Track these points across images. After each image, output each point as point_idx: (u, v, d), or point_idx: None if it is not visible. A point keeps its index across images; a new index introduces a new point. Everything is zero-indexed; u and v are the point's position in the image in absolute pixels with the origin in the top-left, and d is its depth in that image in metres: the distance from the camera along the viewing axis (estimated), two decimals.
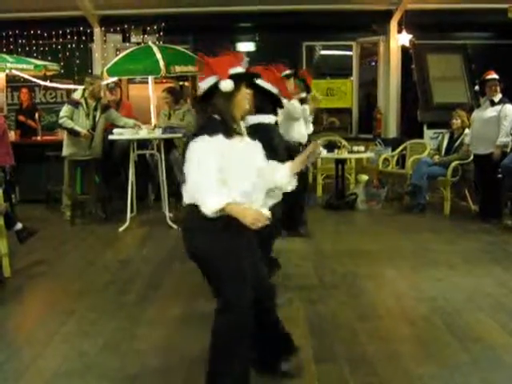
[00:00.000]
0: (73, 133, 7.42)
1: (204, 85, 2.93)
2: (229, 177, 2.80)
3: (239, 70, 2.93)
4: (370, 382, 3.23)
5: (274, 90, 3.97)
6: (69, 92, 10.42)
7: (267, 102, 4.07)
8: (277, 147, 4.11)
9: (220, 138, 2.82)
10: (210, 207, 2.71)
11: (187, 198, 2.90)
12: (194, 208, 2.79)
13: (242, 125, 3.05)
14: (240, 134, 2.96)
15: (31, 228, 5.86)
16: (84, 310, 4.45)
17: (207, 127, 2.88)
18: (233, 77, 2.88)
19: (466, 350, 3.59)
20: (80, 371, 3.39)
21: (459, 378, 3.23)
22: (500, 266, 5.40)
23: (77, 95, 7.64)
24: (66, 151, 7.59)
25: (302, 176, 5.74)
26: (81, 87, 7.96)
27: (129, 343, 3.78)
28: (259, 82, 3.42)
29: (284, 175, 3.06)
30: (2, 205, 5.37)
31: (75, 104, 7.49)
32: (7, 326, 4.23)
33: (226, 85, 2.86)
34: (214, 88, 2.88)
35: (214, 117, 2.90)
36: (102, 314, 4.34)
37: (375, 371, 3.34)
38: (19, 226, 5.71)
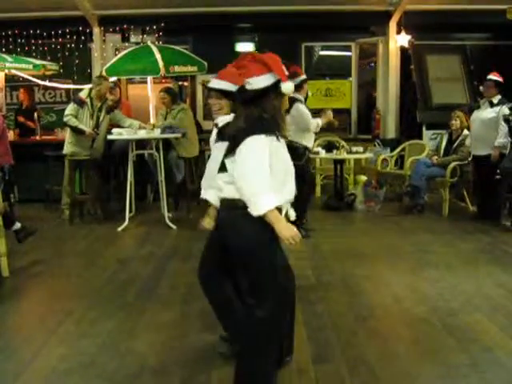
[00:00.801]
0: (77, 131, 7.44)
1: (259, 82, 2.83)
2: (275, 180, 2.80)
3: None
4: (368, 382, 3.24)
5: None
6: (68, 92, 10.46)
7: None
8: None
9: (274, 139, 2.80)
10: (260, 208, 2.69)
11: (230, 192, 2.87)
12: (238, 202, 2.80)
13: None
14: (285, 137, 2.93)
15: (30, 228, 5.86)
16: (82, 309, 4.45)
17: (262, 126, 2.81)
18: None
19: (465, 350, 3.59)
20: (78, 371, 3.39)
21: (457, 378, 3.24)
22: (498, 267, 5.40)
23: (83, 94, 7.65)
24: (67, 150, 7.60)
25: (304, 177, 5.81)
26: (80, 87, 7.95)
27: (127, 343, 3.78)
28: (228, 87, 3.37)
29: None
30: (1, 204, 5.36)
31: (81, 103, 7.51)
32: (5, 325, 4.23)
33: (289, 87, 2.86)
34: (271, 87, 2.83)
35: (265, 117, 2.84)
36: (101, 313, 4.34)
37: (374, 372, 3.34)
38: (18, 225, 5.71)
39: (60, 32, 9.92)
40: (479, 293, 4.70)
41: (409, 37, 10.00)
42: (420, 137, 9.81)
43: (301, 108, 6.48)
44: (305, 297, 4.62)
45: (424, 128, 9.96)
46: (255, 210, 2.71)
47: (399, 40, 10.09)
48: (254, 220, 2.75)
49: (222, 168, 2.95)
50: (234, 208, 2.86)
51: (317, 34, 10.63)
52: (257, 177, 2.72)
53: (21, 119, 9.55)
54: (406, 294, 4.69)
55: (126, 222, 7.22)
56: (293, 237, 2.76)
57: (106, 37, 10.21)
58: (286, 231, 2.75)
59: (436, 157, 8.15)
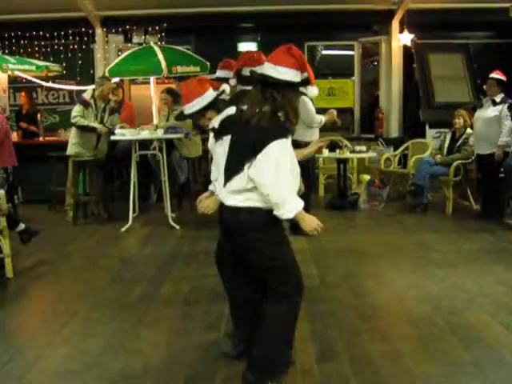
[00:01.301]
0: (88, 130, 7.47)
1: (287, 74, 2.79)
2: (293, 180, 2.88)
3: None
4: (372, 381, 3.23)
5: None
6: (71, 93, 10.48)
7: None
8: None
9: (290, 141, 2.83)
10: (290, 211, 2.77)
11: (243, 200, 2.88)
12: (250, 208, 2.86)
13: None
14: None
15: (34, 228, 5.88)
16: (86, 310, 4.46)
17: (283, 127, 2.81)
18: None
19: (468, 349, 3.58)
20: (82, 371, 3.40)
21: (461, 377, 3.23)
22: (502, 266, 5.39)
23: (86, 95, 7.68)
24: (71, 150, 7.62)
25: (305, 175, 5.71)
26: (83, 88, 7.96)
27: (131, 343, 3.79)
28: None
29: None
30: (5, 206, 5.38)
31: (85, 104, 7.53)
32: (10, 326, 4.24)
33: (314, 91, 2.88)
34: (296, 84, 2.82)
35: (280, 118, 2.82)
36: (104, 314, 4.35)
37: (377, 371, 3.34)
38: (22, 226, 5.73)
39: (63, 33, 9.95)
40: (483, 291, 4.69)
41: (411, 35, 9.99)
42: (423, 135, 9.79)
43: (307, 102, 6.47)
44: (308, 296, 4.58)
45: (427, 127, 9.95)
46: (287, 214, 2.78)
47: (402, 39, 10.08)
48: (270, 221, 2.86)
49: (231, 173, 2.91)
50: (249, 213, 2.88)
51: (319, 33, 10.62)
52: (286, 183, 2.77)
53: (23, 125, 9.57)
54: (409, 293, 4.69)
55: (130, 223, 7.23)
56: (315, 228, 2.86)
57: (108, 37, 10.23)
58: (310, 225, 2.86)
59: (439, 155, 8.14)
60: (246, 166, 2.81)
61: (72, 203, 7.75)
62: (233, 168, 2.90)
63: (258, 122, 2.79)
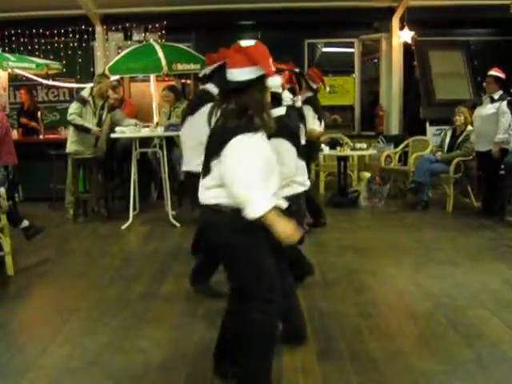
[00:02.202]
0: (82, 130, 7.47)
1: (241, 75, 2.75)
2: (267, 178, 2.74)
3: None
4: (373, 379, 3.23)
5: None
6: (71, 90, 10.46)
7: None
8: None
9: (260, 135, 2.73)
10: (256, 211, 2.61)
11: (213, 197, 2.81)
12: (217, 206, 2.77)
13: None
14: (269, 130, 2.83)
15: (38, 225, 5.89)
16: (87, 307, 4.46)
17: (247, 123, 2.72)
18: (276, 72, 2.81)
19: (470, 346, 3.59)
20: (84, 369, 3.40)
21: (463, 374, 3.24)
22: (503, 263, 5.39)
23: (85, 93, 7.68)
24: (70, 148, 7.63)
25: None
26: (83, 85, 7.94)
27: (132, 341, 3.79)
28: None
29: None
30: (5, 203, 5.38)
31: (83, 101, 7.53)
32: (11, 324, 4.24)
33: (276, 81, 2.80)
34: (254, 81, 2.75)
35: (250, 113, 2.74)
36: (106, 311, 4.35)
37: (378, 368, 3.34)
38: (26, 223, 5.75)
39: (63, 31, 9.93)
40: (484, 289, 4.69)
41: (412, 33, 9.98)
42: (423, 133, 9.78)
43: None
44: (309, 293, 4.62)
45: (427, 124, 9.94)
46: (252, 213, 2.62)
47: (402, 36, 10.07)
48: (239, 223, 2.69)
49: (204, 172, 2.87)
50: (217, 212, 2.80)
51: (320, 30, 10.60)
52: (250, 180, 2.63)
53: (24, 121, 9.56)
54: (410, 290, 4.69)
55: (130, 220, 7.23)
56: (289, 237, 2.70)
57: (108, 35, 10.21)
58: (284, 231, 2.67)
59: (440, 153, 8.14)
60: (212, 164, 2.78)
61: (72, 201, 7.75)
62: (204, 167, 2.87)
63: (225, 121, 2.77)
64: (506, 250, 5.90)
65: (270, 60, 2.80)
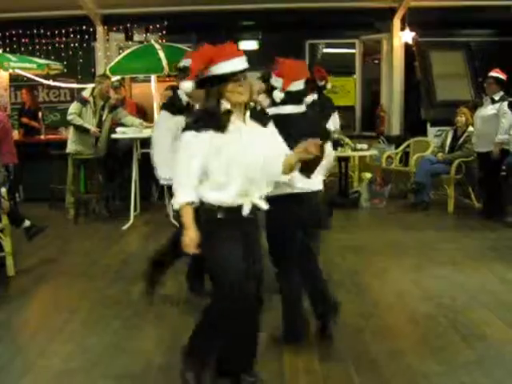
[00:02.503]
0: (81, 130, 7.49)
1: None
2: (217, 174, 2.81)
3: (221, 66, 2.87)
4: (374, 379, 3.23)
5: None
6: (72, 91, 10.47)
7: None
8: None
9: (210, 133, 2.77)
10: (176, 201, 2.80)
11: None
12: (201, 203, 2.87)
13: (245, 114, 2.91)
14: (238, 123, 2.86)
15: (39, 225, 5.88)
16: (88, 308, 4.46)
17: (198, 121, 2.84)
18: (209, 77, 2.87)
19: (471, 347, 3.59)
20: (84, 369, 3.40)
21: (463, 375, 3.23)
22: (504, 264, 5.39)
23: (86, 93, 7.69)
24: (70, 148, 7.64)
25: None
26: (84, 86, 7.94)
27: (133, 341, 3.79)
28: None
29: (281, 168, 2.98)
30: (6, 204, 5.38)
31: (84, 101, 7.55)
32: (12, 324, 4.24)
33: (187, 86, 2.95)
34: (201, 82, 2.88)
35: (206, 110, 2.87)
36: (106, 312, 4.35)
37: (379, 369, 3.34)
38: (27, 223, 5.74)
39: (64, 31, 9.93)
40: (485, 289, 4.69)
41: (413, 33, 9.98)
42: (424, 133, 9.78)
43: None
44: None
45: (428, 125, 9.94)
46: (174, 202, 2.82)
47: (403, 37, 10.06)
48: (207, 218, 2.87)
49: None
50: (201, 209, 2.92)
51: (321, 31, 10.60)
52: (179, 172, 2.81)
53: (25, 120, 9.56)
54: (411, 291, 4.69)
55: (131, 221, 7.23)
56: (188, 245, 2.80)
57: (109, 36, 10.22)
58: (186, 237, 2.80)
59: (441, 154, 8.13)
60: None
61: (72, 201, 7.75)
62: None
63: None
64: (506, 250, 5.90)
65: (200, 65, 2.90)
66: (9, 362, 3.52)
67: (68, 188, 7.89)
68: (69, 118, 7.53)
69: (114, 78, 8.41)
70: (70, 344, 3.78)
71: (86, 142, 7.61)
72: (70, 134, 7.75)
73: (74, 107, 7.55)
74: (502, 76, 7.27)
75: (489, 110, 7.27)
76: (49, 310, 4.59)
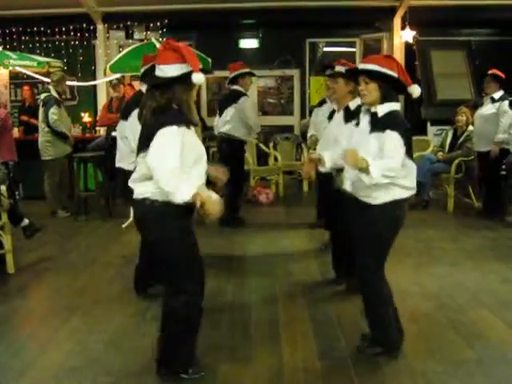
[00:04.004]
0: (61, 136, 7.66)
1: (170, 71, 2.91)
2: (190, 166, 2.93)
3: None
4: (373, 378, 3.24)
5: (395, 75, 3.41)
6: (72, 88, 10.45)
7: (391, 89, 3.45)
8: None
9: (184, 129, 2.89)
10: (181, 196, 2.80)
11: (142, 188, 3.00)
12: (147, 198, 2.96)
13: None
14: (196, 124, 3.04)
15: (37, 224, 5.88)
16: (88, 306, 4.46)
17: (171, 116, 2.89)
18: (201, 71, 2.93)
19: (470, 346, 3.59)
20: (84, 367, 3.40)
21: (463, 374, 3.23)
22: (504, 263, 5.39)
23: (54, 93, 7.74)
24: (51, 153, 7.73)
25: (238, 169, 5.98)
26: (84, 84, 7.92)
27: (133, 339, 3.79)
28: (380, 69, 3.30)
29: None
30: (6, 201, 5.38)
31: (59, 103, 7.65)
32: (12, 322, 4.24)
33: (200, 77, 2.91)
34: (180, 78, 2.90)
35: (174, 107, 2.93)
36: (106, 310, 4.36)
37: (379, 367, 3.34)
38: (26, 221, 5.74)
39: (64, 29, 9.94)
40: (485, 289, 4.69)
41: (413, 32, 9.97)
42: (424, 133, 9.78)
43: (245, 102, 6.86)
44: (310, 293, 4.63)
45: (428, 124, 9.94)
46: (178, 199, 2.81)
47: (404, 36, 10.05)
48: (163, 215, 2.95)
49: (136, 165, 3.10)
50: (143, 205, 3.00)
51: (321, 30, 10.62)
52: (175, 168, 2.82)
53: (24, 118, 9.56)
54: (411, 290, 4.68)
55: (131, 219, 7.18)
56: (216, 211, 2.88)
57: (109, 34, 10.20)
58: (212, 208, 2.86)
59: (441, 153, 8.13)
60: (140, 158, 2.98)
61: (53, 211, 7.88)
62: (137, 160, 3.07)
63: (151, 117, 2.95)
64: (506, 249, 5.90)
65: (196, 58, 2.96)
66: (9, 359, 3.52)
67: (52, 191, 7.92)
68: (54, 124, 7.55)
69: (114, 76, 8.41)
70: (70, 342, 3.79)
71: (62, 144, 7.75)
72: (43, 137, 7.74)
73: (55, 112, 7.55)
74: (500, 75, 7.26)
75: (489, 109, 7.26)
76: (48, 307, 4.59)
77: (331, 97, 5.39)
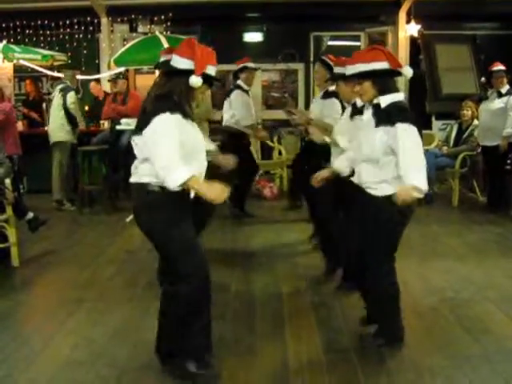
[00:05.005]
0: (73, 122, 7.84)
1: (179, 63, 2.95)
2: (190, 153, 2.96)
3: (212, 70, 3.02)
4: (378, 372, 3.24)
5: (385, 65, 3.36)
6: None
7: (386, 80, 3.39)
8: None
9: (179, 116, 2.92)
10: (176, 180, 2.81)
11: (138, 176, 3.02)
12: (143, 185, 2.97)
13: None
14: (192, 119, 3.05)
15: (42, 217, 5.89)
16: (92, 299, 4.47)
17: (167, 104, 2.91)
18: (204, 76, 2.94)
19: (475, 341, 3.58)
20: (89, 360, 3.41)
21: (468, 369, 3.23)
22: (509, 258, 5.38)
23: (70, 82, 8.13)
24: (66, 137, 7.90)
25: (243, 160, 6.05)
26: (88, 77, 7.91)
27: (137, 333, 3.79)
28: (366, 67, 3.29)
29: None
30: (10, 195, 5.38)
31: (77, 91, 7.84)
32: (17, 315, 4.25)
33: (196, 81, 2.91)
34: (184, 72, 2.92)
35: (172, 97, 2.95)
36: (111, 303, 4.36)
37: (384, 361, 3.34)
38: (30, 215, 5.75)
39: (68, 22, 9.91)
40: (490, 283, 4.68)
41: (418, 26, 9.91)
42: (429, 127, 9.74)
43: (235, 95, 6.96)
44: (315, 287, 4.63)
45: (433, 118, 9.91)
46: (172, 183, 2.81)
47: (409, 29, 10.00)
48: (161, 204, 2.95)
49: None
50: (142, 191, 2.99)
51: (326, 23, 10.56)
52: (169, 153, 2.83)
53: (24, 111, 9.57)
54: (415, 285, 4.68)
55: None
56: (218, 196, 2.86)
57: (113, 27, 10.18)
58: (210, 193, 2.85)
59: (446, 147, 8.10)
60: (135, 140, 3.00)
61: (58, 199, 7.90)
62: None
63: (150, 104, 2.98)
64: (511, 244, 5.89)
65: (208, 63, 2.99)
66: (14, 352, 3.53)
67: (60, 180, 7.96)
68: (71, 106, 7.73)
69: (118, 70, 8.40)
70: (75, 335, 3.80)
71: (71, 130, 7.93)
72: (56, 122, 7.87)
73: (73, 96, 7.82)
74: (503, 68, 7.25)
75: (496, 103, 7.23)
76: (53, 300, 4.60)
77: (321, 85, 5.42)
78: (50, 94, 10.52)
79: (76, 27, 10.01)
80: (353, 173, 3.57)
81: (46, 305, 4.57)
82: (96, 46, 10.40)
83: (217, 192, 2.85)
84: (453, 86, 9.95)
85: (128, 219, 7.12)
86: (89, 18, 9.96)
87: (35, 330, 3.93)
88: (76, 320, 4.06)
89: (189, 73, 2.91)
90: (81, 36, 10.12)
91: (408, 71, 3.33)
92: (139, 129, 2.94)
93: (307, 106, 11.14)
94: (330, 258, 4.85)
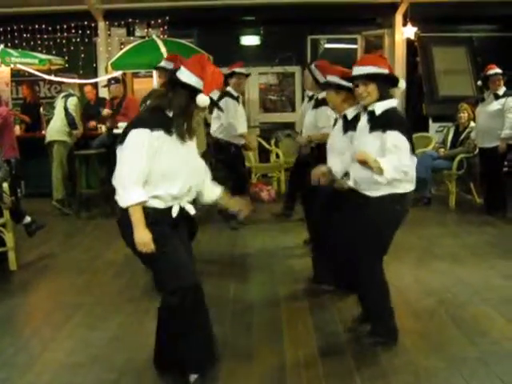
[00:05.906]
0: (73, 124, 7.85)
1: (187, 77, 2.87)
2: (159, 175, 2.85)
3: (216, 94, 2.95)
4: (375, 374, 3.24)
5: (391, 74, 3.54)
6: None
7: (386, 87, 3.50)
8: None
9: (161, 134, 2.82)
10: (126, 200, 2.81)
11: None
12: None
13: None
14: (184, 137, 2.93)
15: (39, 221, 5.89)
16: (90, 303, 4.47)
17: (153, 119, 2.87)
18: (210, 99, 2.88)
19: (472, 343, 3.59)
20: (87, 364, 3.42)
21: (465, 371, 3.23)
22: (505, 259, 5.39)
23: (72, 90, 8.14)
24: (67, 137, 7.92)
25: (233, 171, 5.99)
26: (85, 81, 7.91)
27: (135, 336, 3.80)
28: (377, 69, 3.40)
29: (212, 197, 3.25)
30: (8, 199, 5.39)
31: (79, 99, 7.89)
32: (15, 319, 4.26)
33: (204, 100, 2.85)
34: (189, 88, 2.85)
35: (164, 111, 2.89)
36: (109, 307, 4.36)
37: (380, 364, 3.35)
38: (28, 219, 5.75)
39: (65, 26, 9.92)
40: (486, 285, 4.69)
41: (415, 29, 9.95)
42: (426, 129, 9.77)
43: (228, 103, 6.58)
44: (312, 289, 4.63)
45: (430, 120, 9.93)
46: (121, 202, 2.81)
47: (405, 32, 10.03)
48: (128, 223, 2.86)
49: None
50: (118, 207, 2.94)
51: (322, 26, 10.61)
52: (130, 171, 2.79)
53: (16, 113, 9.56)
54: (412, 287, 4.69)
55: None
56: (141, 244, 2.85)
57: (111, 31, 10.20)
58: (138, 237, 2.84)
59: (443, 149, 8.12)
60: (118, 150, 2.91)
61: (59, 199, 7.88)
62: None
63: (141, 112, 3.00)
64: (508, 246, 5.90)
65: (216, 87, 2.94)
66: (12, 356, 3.54)
67: (59, 181, 7.94)
68: (71, 108, 7.79)
69: (115, 74, 8.41)
70: (73, 338, 3.80)
71: (69, 132, 7.95)
72: (58, 122, 7.90)
73: (75, 101, 7.86)
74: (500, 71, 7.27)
75: (494, 105, 7.23)
76: (51, 304, 4.60)
77: (311, 90, 5.64)
78: (47, 98, 10.57)
79: (73, 31, 10.02)
80: (346, 174, 3.64)
81: (44, 309, 4.57)
82: (93, 50, 10.42)
83: (144, 241, 2.84)
84: (450, 89, 9.98)
85: None
86: (86, 22, 9.98)
87: (33, 334, 3.93)
88: (74, 324, 4.06)
89: (194, 90, 2.84)
90: (78, 40, 10.15)
91: (403, 84, 3.47)
92: (122, 139, 2.88)
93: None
94: (317, 274, 4.74)
